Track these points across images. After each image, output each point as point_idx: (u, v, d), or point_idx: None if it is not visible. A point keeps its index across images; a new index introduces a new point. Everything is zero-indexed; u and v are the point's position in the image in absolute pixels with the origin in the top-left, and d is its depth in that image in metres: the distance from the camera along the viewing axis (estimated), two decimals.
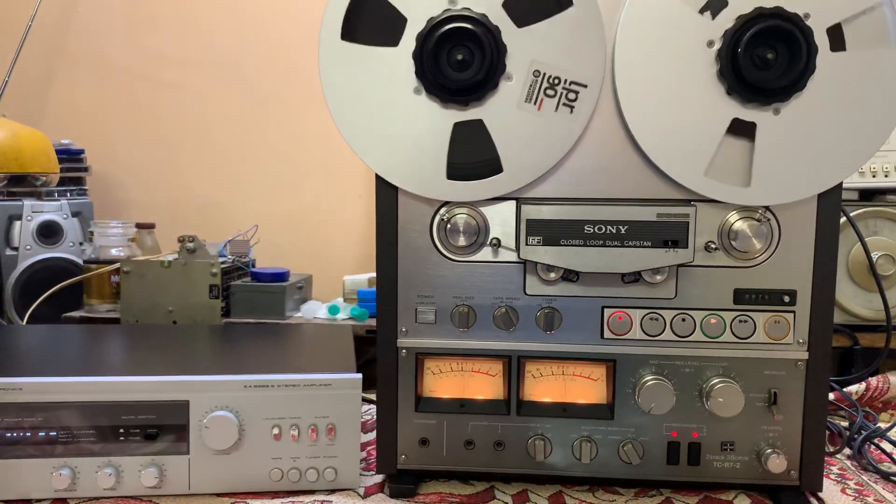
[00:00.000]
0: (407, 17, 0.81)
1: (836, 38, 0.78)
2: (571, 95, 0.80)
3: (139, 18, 1.70)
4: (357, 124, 0.83)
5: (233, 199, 1.70)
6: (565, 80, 0.80)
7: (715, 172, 0.81)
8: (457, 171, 0.83)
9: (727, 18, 0.78)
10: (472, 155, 0.83)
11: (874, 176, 1.22)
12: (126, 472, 0.86)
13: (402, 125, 0.83)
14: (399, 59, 0.81)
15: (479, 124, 0.82)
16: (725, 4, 0.78)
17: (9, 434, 0.84)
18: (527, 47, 0.80)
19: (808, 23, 0.76)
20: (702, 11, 0.78)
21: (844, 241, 1.19)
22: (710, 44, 0.78)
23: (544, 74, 0.80)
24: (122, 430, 0.86)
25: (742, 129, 0.80)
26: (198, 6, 1.68)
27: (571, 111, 0.81)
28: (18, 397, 0.84)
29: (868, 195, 1.25)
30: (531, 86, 0.81)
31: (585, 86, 0.80)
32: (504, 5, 0.80)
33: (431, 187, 0.84)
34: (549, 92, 0.80)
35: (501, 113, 0.81)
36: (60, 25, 1.70)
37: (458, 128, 0.82)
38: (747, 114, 0.79)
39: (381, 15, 0.81)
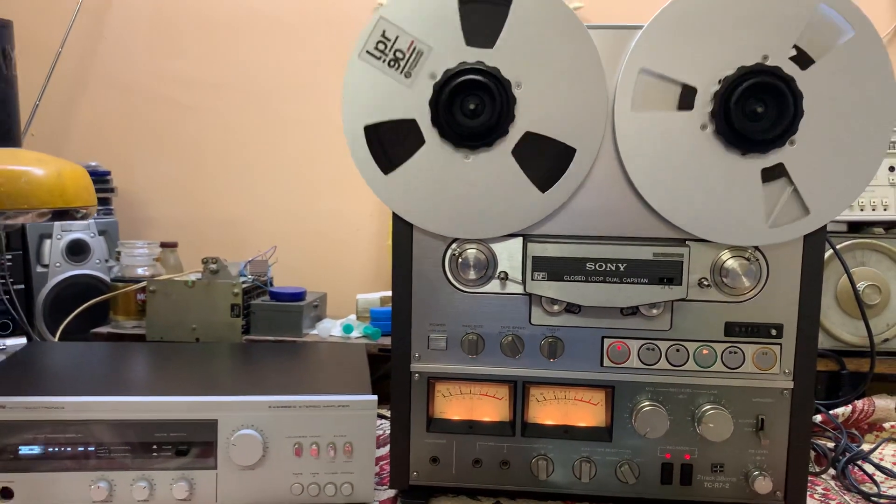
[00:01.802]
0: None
1: (802, 57, 0.83)
2: None
3: (162, 44, 1.76)
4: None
5: (251, 217, 1.76)
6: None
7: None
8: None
9: (706, 99, 0.85)
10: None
11: (862, 209, 1.28)
12: (158, 486, 0.92)
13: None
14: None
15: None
16: (695, 91, 0.85)
17: (51, 449, 0.91)
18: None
19: (770, 63, 0.83)
20: (680, 108, 0.85)
21: (833, 272, 1.26)
22: (703, 127, 0.85)
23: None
24: (155, 447, 0.92)
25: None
26: (218, 32, 1.74)
27: None
28: (60, 415, 0.91)
29: (856, 227, 1.31)
30: None
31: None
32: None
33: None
34: None
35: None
36: (87, 50, 1.77)
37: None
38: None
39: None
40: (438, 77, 0.86)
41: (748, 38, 0.83)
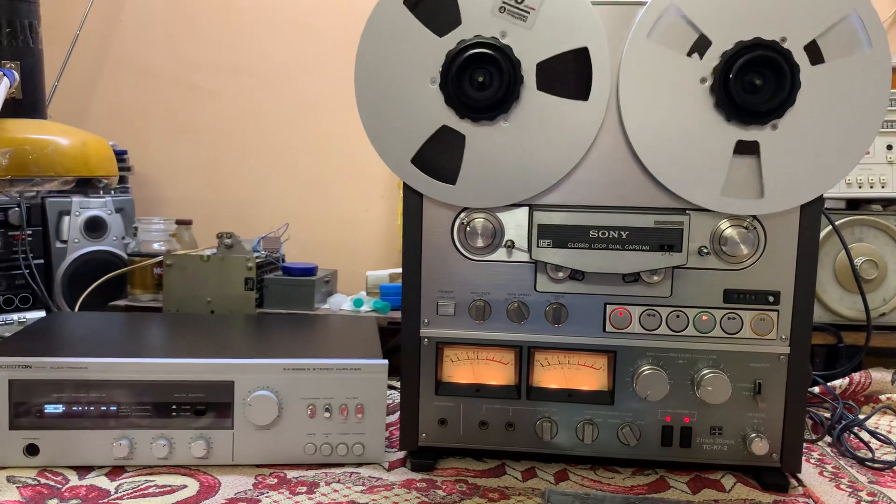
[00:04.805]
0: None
1: (814, 53, 0.86)
2: None
3: (178, 27, 1.80)
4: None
5: (263, 198, 1.80)
6: None
7: (709, 186, 0.90)
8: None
9: (714, 55, 0.87)
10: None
11: (860, 187, 1.31)
12: (177, 444, 0.96)
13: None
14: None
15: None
16: (709, 44, 0.87)
17: (75, 407, 0.95)
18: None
19: (786, 45, 0.85)
20: (689, 54, 0.87)
21: (832, 248, 1.28)
22: (703, 80, 0.88)
23: None
24: (174, 407, 0.96)
25: (740, 148, 0.89)
26: (233, 16, 1.78)
27: None
28: (84, 375, 0.95)
29: (854, 204, 1.34)
30: None
31: None
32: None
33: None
34: None
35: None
36: (104, 33, 1.81)
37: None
38: (747, 135, 0.88)
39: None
40: None
41: (775, 16, 0.86)
